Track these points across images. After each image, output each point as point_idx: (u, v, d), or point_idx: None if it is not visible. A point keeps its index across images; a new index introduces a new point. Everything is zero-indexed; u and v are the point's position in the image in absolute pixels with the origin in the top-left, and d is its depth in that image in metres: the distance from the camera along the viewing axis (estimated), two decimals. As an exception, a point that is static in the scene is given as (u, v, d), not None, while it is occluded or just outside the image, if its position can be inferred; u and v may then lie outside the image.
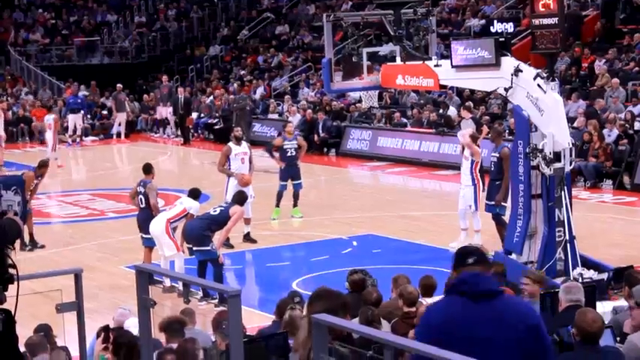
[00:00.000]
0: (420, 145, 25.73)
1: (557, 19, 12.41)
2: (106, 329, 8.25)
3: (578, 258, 12.40)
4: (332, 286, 9.40)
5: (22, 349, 6.57)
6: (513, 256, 12.77)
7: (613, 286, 11.92)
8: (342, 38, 27.84)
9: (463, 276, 4.77)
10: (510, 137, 17.52)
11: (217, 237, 13.53)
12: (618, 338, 7.37)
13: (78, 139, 32.25)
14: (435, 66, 13.50)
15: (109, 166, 28.51)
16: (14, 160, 27.62)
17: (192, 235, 13.26)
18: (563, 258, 12.33)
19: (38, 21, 42.94)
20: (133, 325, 8.41)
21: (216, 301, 12.78)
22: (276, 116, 31.11)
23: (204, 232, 13.19)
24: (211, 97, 33.91)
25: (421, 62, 13.76)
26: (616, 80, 24.51)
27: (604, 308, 9.49)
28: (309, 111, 29.13)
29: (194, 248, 13.27)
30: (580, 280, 11.43)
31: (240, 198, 14.25)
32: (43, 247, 16.41)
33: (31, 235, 16.30)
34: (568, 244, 12.32)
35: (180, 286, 13.29)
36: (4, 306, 5.28)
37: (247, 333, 8.22)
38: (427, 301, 9.11)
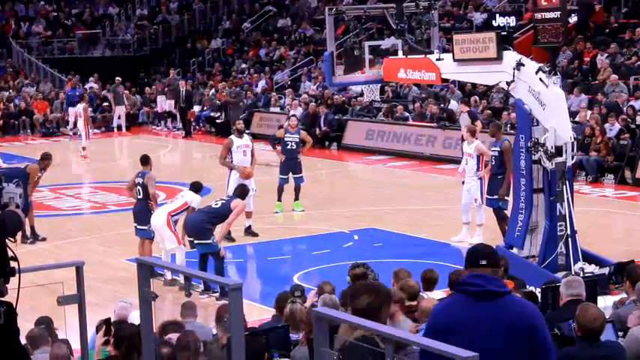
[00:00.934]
0: (421, 139, 25.74)
1: (559, 12, 12.38)
2: (107, 322, 8.24)
3: (580, 252, 12.40)
4: (333, 280, 9.49)
5: (23, 341, 6.57)
6: (515, 250, 12.77)
7: (614, 281, 11.92)
8: (344, 32, 27.90)
9: (470, 276, 4.90)
10: (512, 131, 17.51)
11: (218, 230, 13.53)
12: (621, 333, 7.37)
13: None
14: (436, 60, 13.47)
15: (110, 158, 28.52)
16: (16, 153, 27.60)
17: (193, 229, 13.25)
18: (564, 252, 12.32)
19: (40, 13, 42.89)
20: (137, 318, 8.39)
21: (218, 294, 12.79)
22: (277, 109, 31.10)
23: (205, 225, 13.18)
24: (213, 90, 33.90)
25: (423, 56, 13.73)
26: (615, 76, 24.51)
27: (605, 303, 9.50)
28: (312, 104, 29.09)
29: (195, 241, 13.26)
30: (581, 275, 11.44)
31: (241, 191, 14.25)
32: (44, 239, 16.43)
33: (32, 227, 16.31)
34: (569, 239, 12.30)
35: (181, 279, 13.30)
36: (6, 298, 5.28)
37: (249, 326, 8.21)
38: (428, 294, 9.11)
